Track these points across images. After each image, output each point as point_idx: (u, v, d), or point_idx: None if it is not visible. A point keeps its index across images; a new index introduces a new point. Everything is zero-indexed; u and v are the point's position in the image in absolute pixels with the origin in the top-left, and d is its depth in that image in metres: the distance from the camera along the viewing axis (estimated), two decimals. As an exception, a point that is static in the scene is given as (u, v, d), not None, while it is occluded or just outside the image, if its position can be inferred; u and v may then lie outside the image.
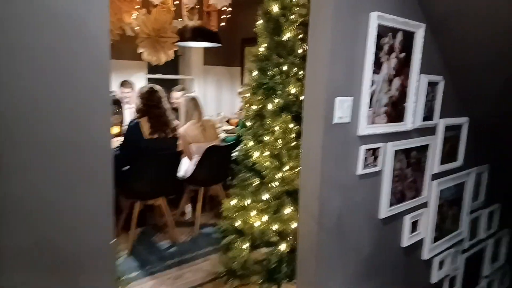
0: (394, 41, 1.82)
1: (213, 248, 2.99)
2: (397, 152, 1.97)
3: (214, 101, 5.96)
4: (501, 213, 2.84)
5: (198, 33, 3.89)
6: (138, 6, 3.48)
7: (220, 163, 3.33)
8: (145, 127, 2.78)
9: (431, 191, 2.24)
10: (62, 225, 1.05)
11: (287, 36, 1.87)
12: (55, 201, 1.03)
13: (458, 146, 2.38)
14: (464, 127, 2.36)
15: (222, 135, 3.81)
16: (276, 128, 1.89)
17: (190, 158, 3.33)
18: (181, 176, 3.37)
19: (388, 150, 1.92)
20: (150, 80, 5.34)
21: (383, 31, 1.73)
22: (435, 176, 2.24)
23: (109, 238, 1.11)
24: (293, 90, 1.86)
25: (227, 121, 4.71)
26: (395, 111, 1.93)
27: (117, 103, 3.79)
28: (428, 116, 2.10)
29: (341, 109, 1.65)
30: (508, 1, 1.68)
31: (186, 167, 3.38)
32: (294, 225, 1.86)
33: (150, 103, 2.81)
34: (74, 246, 1.07)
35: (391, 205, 1.99)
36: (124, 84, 4.13)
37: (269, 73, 1.94)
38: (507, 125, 2.33)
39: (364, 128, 1.75)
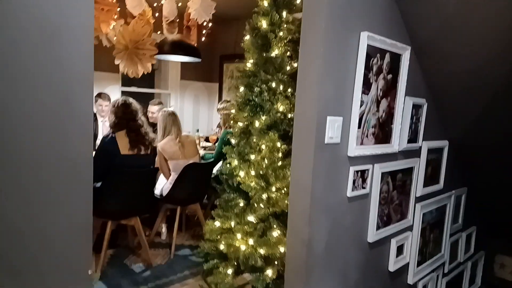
0: (382, 62, 1.82)
1: (190, 272, 2.83)
2: (383, 174, 1.95)
3: (191, 117, 5.84)
4: (477, 235, 2.88)
5: (178, 47, 3.80)
6: (116, 16, 3.36)
7: (199, 181, 3.21)
8: (122, 142, 2.63)
9: (415, 214, 2.23)
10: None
11: (275, 52, 1.82)
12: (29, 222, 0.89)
13: (440, 169, 2.40)
14: (445, 150, 2.39)
15: (201, 152, 3.69)
16: (263, 147, 1.82)
17: (167, 176, 3.18)
18: (157, 194, 3.21)
19: (376, 172, 1.89)
20: (124, 93, 5.16)
21: (372, 52, 1.73)
22: (418, 199, 2.24)
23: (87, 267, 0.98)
24: (281, 107, 1.81)
25: (206, 138, 4.60)
26: (382, 132, 1.91)
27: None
28: (412, 138, 2.11)
29: (332, 129, 1.61)
30: (491, 28, 1.72)
31: (162, 185, 3.22)
32: (281, 249, 1.77)
33: (126, 116, 2.67)
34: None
35: (378, 228, 1.96)
36: (101, 96, 3.96)
37: (256, 89, 1.88)
38: (483, 149, 2.39)
39: (354, 149, 1.71)
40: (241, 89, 1.91)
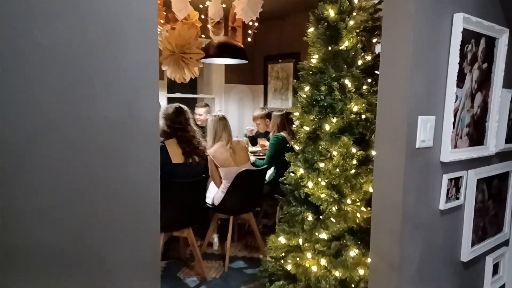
0: (477, 49, 1.52)
1: (247, 287, 2.64)
2: (478, 181, 1.64)
3: (236, 121, 5.72)
4: None
5: (224, 49, 3.66)
6: (162, 21, 3.27)
7: (251, 189, 3.01)
8: (174, 151, 2.50)
9: (513, 226, 1.89)
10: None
11: (345, 44, 1.59)
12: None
13: (541, 172, 2.02)
14: (547, 150, 2.02)
15: (252, 158, 3.52)
16: (335, 153, 1.59)
17: (218, 184, 3.02)
18: (208, 203, 3.06)
19: (470, 179, 1.60)
20: (170, 100, 5.14)
21: (467, 37, 1.45)
22: (516, 208, 1.90)
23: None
24: (355, 107, 1.56)
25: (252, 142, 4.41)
26: (476, 132, 1.61)
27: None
28: (509, 137, 1.78)
29: (424, 130, 1.35)
30: None
31: (213, 193, 3.07)
32: (361, 271, 1.52)
33: (177, 126, 2.54)
34: None
35: (473, 244, 1.66)
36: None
37: (323, 88, 1.65)
38: None
39: (448, 153, 1.44)
40: (306, 88, 1.68)
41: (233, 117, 5.72)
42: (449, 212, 1.52)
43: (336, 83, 1.58)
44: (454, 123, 1.46)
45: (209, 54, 3.63)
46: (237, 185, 2.84)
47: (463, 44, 1.43)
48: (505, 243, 1.88)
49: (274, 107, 5.25)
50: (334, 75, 1.57)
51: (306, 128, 1.67)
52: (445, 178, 1.47)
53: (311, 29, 1.72)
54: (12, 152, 0.61)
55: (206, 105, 4.37)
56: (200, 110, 4.19)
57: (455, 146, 1.49)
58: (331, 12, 1.60)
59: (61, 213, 0.69)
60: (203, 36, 3.81)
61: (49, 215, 0.67)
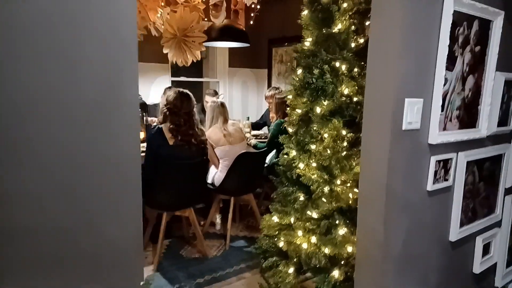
0: (469, 32, 1.52)
1: (246, 265, 2.73)
2: (469, 163, 1.67)
3: (240, 104, 5.75)
4: None
5: (226, 32, 3.66)
6: (163, 3, 3.28)
7: (251, 171, 3.08)
8: (168, 134, 2.57)
9: (504, 208, 1.92)
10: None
11: (338, 27, 1.60)
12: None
13: (535, 155, 2.03)
14: (541, 133, 2.02)
15: (253, 141, 3.56)
16: (325, 135, 1.62)
17: (216, 164, 3.12)
18: (209, 183, 3.15)
19: (460, 161, 1.62)
20: (174, 83, 5.17)
21: (458, 19, 1.45)
22: (509, 191, 1.92)
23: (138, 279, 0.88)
24: (346, 90, 1.59)
25: (255, 126, 4.45)
26: (468, 115, 1.63)
27: (143, 107, 3.60)
28: (503, 121, 1.79)
29: (412, 112, 1.37)
30: None
31: (212, 174, 3.16)
32: (349, 249, 1.58)
33: (173, 110, 2.59)
34: None
35: (462, 225, 1.70)
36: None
37: (316, 71, 1.67)
38: None
39: (436, 135, 1.46)
40: (299, 71, 1.71)
41: (237, 100, 5.75)
42: (437, 193, 1.56)
43: (327, 66, 1.60)
44: (443, 106, 1.48)
45: (210, 37, 3.63)
46: (236, 167, 2.92)
47: (455, 26, 1.44)
48: (497, 224, 1.91)
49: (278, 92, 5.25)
50: (325, 58, 1.59)
51: (298, 111, 1.70)
52: (433, 159, 1.49)
53: (305, 12, 1.73)
54: None
55: (216, 92, 4.41)
56: (208, 98, 4.24)
57: (444, 129, 1.51)
58: (325, -6, 1.61)
59: (43, 191, 0.74)
60: (205, 19, 3.81)
61: (32, 194, 0.72)
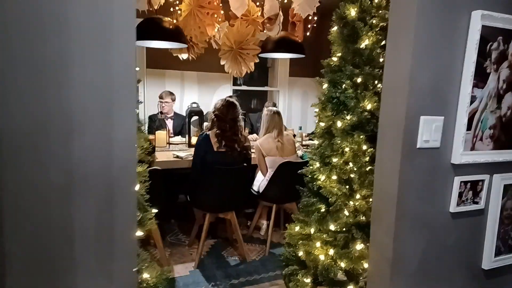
0: (506, 47, 1.43)
1: (281, 272, 2.78)
2: (507, 186, 1.54)
3: (299, 114, 5.82)
4: None
5: (281, 44, 3.77)
6: (221, 19, 3.52)
7: (293, 180, 3.12)
8: (214, 140, 2.76)
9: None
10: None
11: (365, 43, 1.61)
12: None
13: None
14: None
15: (300, 152, 3.62)
16: (346, 149, 1.64)
17: (264, 173, 3.21)
18: (255, 190, 3.27)
19: (495, 184, 1.52)
20: (235, 92, 5.44)
21: (490, 34, 1.37)
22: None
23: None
24: (368, 105, 1.59)
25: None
26: (505, 135, 1.51)
27: (200, 115, 3.88)
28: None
29: (428, 130, 1.34)
30: None
31: (259, 181, 3.27)
32: (365, 265, 1.57)
33: (220, 117, 2.77)
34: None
35: (499, 253, 1.57)
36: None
37: (341, 86, 1.70)
38: None
39: (460, 155, 1.40)
40: (324, 85, 1.75)
41: (296, 110, 5.82)
42: (463, 215, 1.47)
43: (349, 81, 1.62)
44: (470, 125, 1.40)
45: (267, 49, 3.78)
46: (278, 175, 2.99)
47: (485, 42, 1.37)
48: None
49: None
50: (348, 73, 1.61)
51: (322, 124, 1.74)
52: (457, 180, 1.43)
53: (334, 28, 1.77)
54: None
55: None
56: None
57: (472, 148, 1.44)
58: (352, 12, 1.64)
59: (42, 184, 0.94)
60: (265, 31, 3.97)
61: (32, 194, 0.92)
